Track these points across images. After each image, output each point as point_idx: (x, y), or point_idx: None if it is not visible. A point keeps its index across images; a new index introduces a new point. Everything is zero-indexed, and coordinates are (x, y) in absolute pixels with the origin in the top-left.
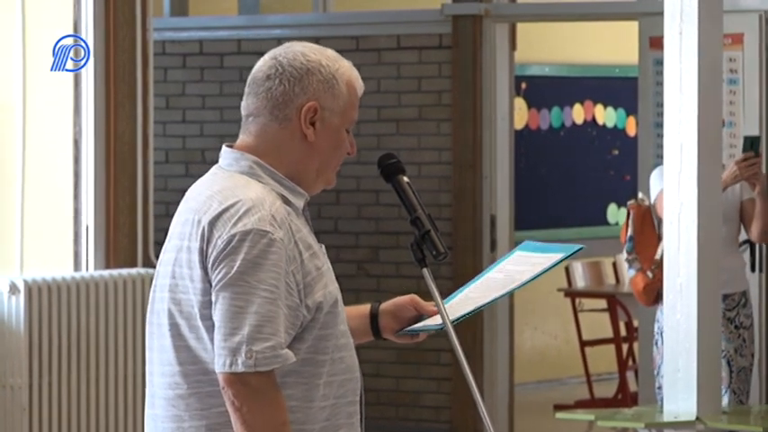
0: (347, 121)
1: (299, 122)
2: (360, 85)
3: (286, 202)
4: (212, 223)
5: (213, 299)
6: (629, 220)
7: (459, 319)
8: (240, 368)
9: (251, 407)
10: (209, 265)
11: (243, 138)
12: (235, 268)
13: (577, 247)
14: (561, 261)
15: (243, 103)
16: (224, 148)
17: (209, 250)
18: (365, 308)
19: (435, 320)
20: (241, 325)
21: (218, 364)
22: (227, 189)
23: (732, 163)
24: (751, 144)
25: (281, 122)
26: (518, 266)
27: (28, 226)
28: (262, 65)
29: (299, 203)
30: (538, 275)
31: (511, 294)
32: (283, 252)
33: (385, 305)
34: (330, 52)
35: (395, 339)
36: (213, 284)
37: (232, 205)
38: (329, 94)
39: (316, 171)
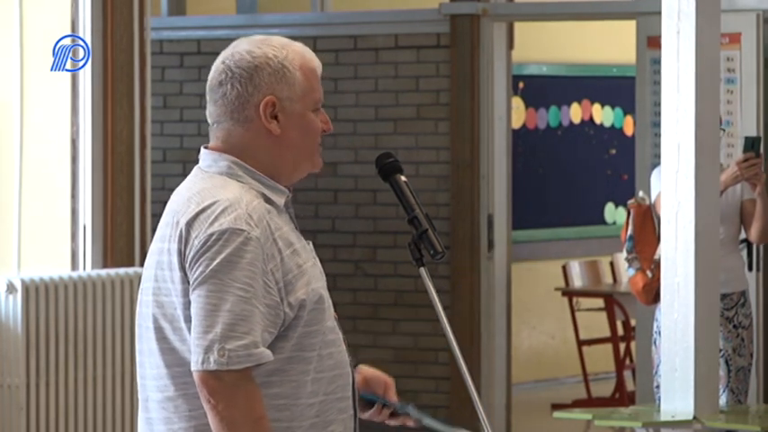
0: (310, 104)
1: (261, 120)
2: (316, 64)
3: (266, 200)
4: (189, 224)
5: (190, 298)
6: (629, 220)
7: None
8: (212, 366)
9: (227, 402)
10: (187, 266)
11: (214, 143)
12: (210, 267)
13: None
14: None
15: (207, 112)
16: (202, 149)
17: (187, 251)
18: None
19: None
20: (214, 323)
21: (192, 362)
22: (205, 190)
23: (732, 163)
24: (752, 144)
25: (243, 124)
26: None
27: (25, 225)
28: (214, 71)
29: (280, 201)
30: None
31: None
32: (260, 251)
33: (365, 369)
34: (276, 41)
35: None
36: (190, 284)
37: (209, 206)
38: (283, 84)
39: (292, 162)
